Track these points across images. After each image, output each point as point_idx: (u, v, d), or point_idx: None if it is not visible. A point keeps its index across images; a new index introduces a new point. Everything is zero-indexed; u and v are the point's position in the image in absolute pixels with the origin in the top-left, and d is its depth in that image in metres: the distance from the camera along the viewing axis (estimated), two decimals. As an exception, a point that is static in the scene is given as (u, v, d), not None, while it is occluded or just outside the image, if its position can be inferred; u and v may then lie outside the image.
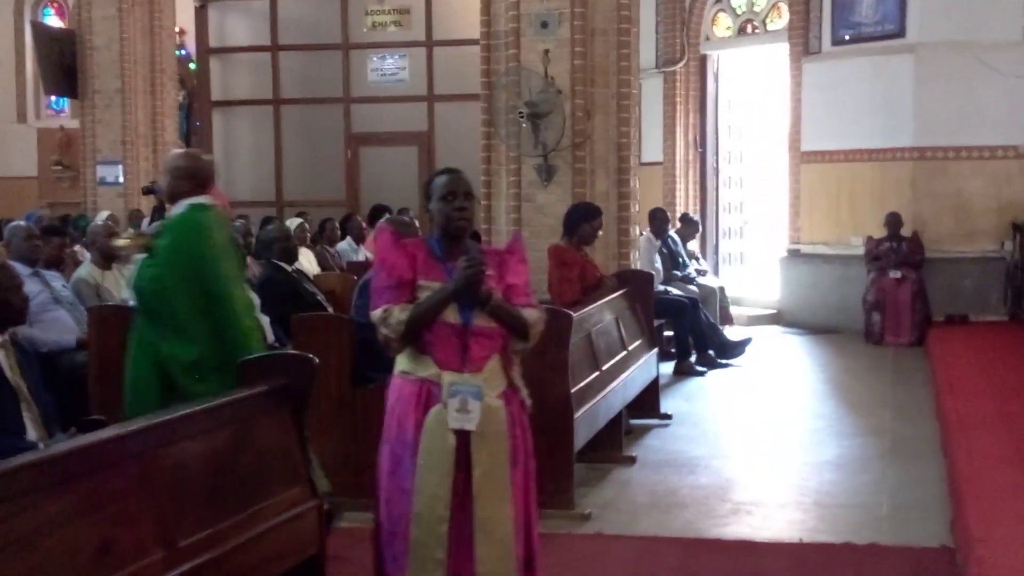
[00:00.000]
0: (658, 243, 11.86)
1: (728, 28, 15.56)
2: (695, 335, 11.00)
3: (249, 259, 8.70)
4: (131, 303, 6.96)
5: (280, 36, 17.81)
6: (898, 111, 12.90)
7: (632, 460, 7.53)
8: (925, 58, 12.75)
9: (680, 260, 12.26)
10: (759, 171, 16.38)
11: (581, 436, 6.48)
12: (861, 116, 13.18)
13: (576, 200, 9.22)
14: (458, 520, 4.01)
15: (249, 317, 5.41)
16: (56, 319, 7.38)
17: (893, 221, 12.53)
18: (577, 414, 6.36)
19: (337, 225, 12.84)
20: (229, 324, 5.10)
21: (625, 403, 7.71)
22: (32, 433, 4.65)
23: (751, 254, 16.27)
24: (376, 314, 4.06)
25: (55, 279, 7.76)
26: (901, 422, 8.65)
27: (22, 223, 8.37)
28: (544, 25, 9.55)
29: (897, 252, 12.47)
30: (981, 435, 7.29)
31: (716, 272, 14.86)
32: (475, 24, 10.59)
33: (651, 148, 15.44)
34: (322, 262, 11.15)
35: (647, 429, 8.47)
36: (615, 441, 7.55)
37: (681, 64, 15.54)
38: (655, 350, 8.69)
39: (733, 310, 13.31)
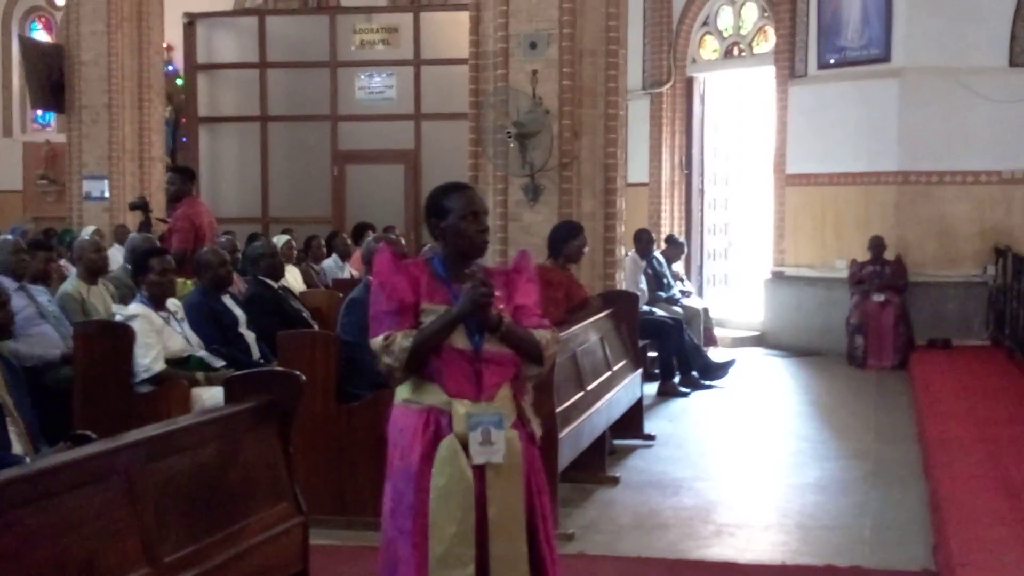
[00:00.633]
0: (643, 264, 11.90)
1: (715, 51, 15.65)
2: (679, 356, 11.03)
3: (235, 275, 8.71)
4: (117, 318, 7.00)
5: (268, 53, 17.80)
6: (883, 135, 12.98)
7: (616, 481, 7.53)
8: (910, 83, 12.84)
9: (665, 281, 12.29)
10: (744, 193, 16.45)
11: (565, 456, 6.49)
12: (846, 140, 13.25)
13: (563, 220, 9.24)
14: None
15: None
16: (41, 334, 7.36)
17: (877, 244, 12.59)
18: (561, 434, 6.36)
19: (323, 242, 12.85)
20: None
21: (609, 423, 7.72)
22: (17, 447, 4.65)
23: (735, 276, 16.32)
24: (377, 342, 3.82)
25: (41, 294, 7.75)
26: (883, 445, 8.68)
27: (9, 237, 8.37)
28: (532, 46, 9.59)
29: (881, 275, 12.53)
30: (963, 459, 7.33)
31: (700, 293, 14.89)
32: (463, 43, 10.63)
33: (637, 169, 15.48)
34: (308, 279, 11.15)
35: (631, 450, 8.48)
36: (599, 461, 7.55)
37: (668, 86, 15.61)
38: (639, 371, 8.70)
39: (717, 332, 13.35)
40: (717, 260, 16.12)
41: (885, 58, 12.99)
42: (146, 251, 7.52)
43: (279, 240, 10.96)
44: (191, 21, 17.77)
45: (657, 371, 11.00)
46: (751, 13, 15.19)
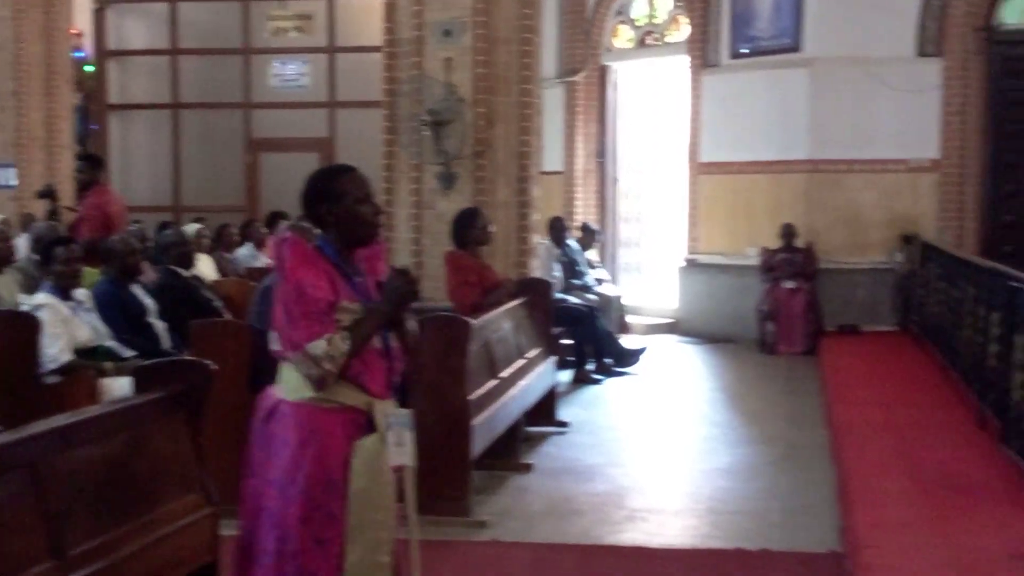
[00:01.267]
0: (557, 252, 11.94)
1: (629, 40, 15.70)
2: (593, 343, 11.09)
3: (145, 265, 8.61)
4: (23, 307, 6.89)
5: (180, 40, 17.61)
6: (793, 124, 13.13)
7: (529, 468, 7.56)
8: (820, 72, 13.00)
9: (579, 269, 12.35)
10: (658, 182, 16.55)
11: (478, 444, 6.50)
12: (757, 129, 13.39)
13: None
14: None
15: None
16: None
17: (787, 232, 12.75)
18: (475, 421, 6.38)
19: (235, 231, 12.72)
20: None
21: (523, 411, 7.74)
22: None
23: (649, 264, 16.42)
24: (319, 347, 3.57)
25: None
26: (793, 430, 8.80)
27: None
28: (447, 33, 9.58)
29: (791, 263, 12.69)
30: (870, 443, 7.46)
31: (615, 281, 14.95)
32: (378, 31, 10.58)
33: (552, 157, 15.50)
34: (220, 268, 11.04)
35: (544, 437, 8.51)
36: (512, 449, 7.58)
37: (582, 74, 15.64)
38: (553, 358, 8.74)
39: (631, 319, 13.45)
40: (631, 248, 16.19)
41: (796, 48, 13.14)
42: (52, 240, 7.42)
43: (191, 229, 10.84)
44: (101, 7, 17.53)
45: (571, 358, 11.05)
46: (665, 3, 15.25)
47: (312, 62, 17.28)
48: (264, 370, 6.29)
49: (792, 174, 13.21)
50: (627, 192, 16.09)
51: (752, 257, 13.23)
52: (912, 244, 12.28)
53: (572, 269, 12.18)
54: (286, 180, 16.77)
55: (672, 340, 13.63)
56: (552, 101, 15.25)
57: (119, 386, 6.24)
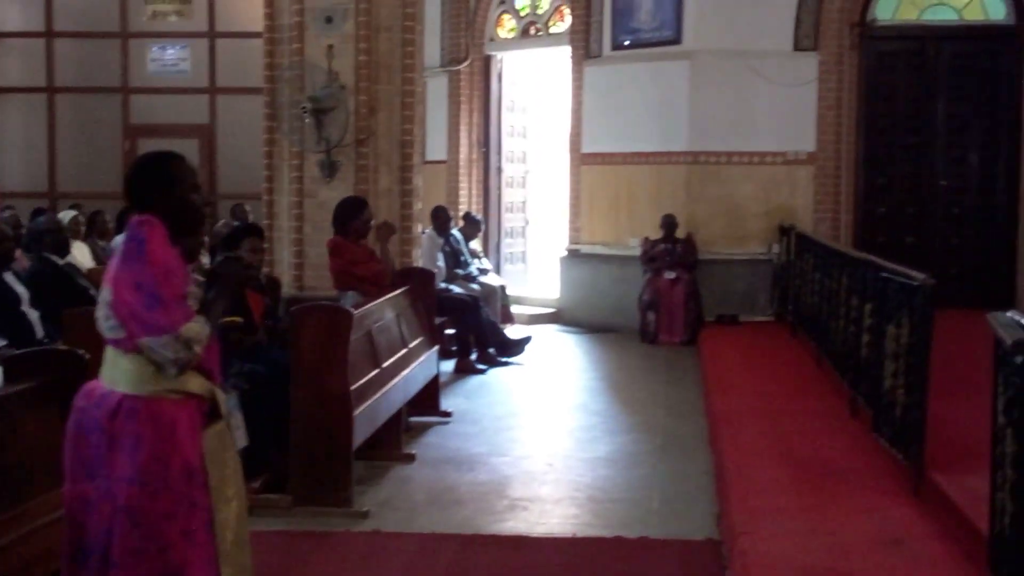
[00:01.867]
0: (440, 241, 11.92)
1: (512, 30, 15.73)
2: (476, 333, 11.10)
3: (18, 252, 8.40)
4: None
5: (55, 22, 17.19)
6: (674, 116, 13.27)
7: (411, 458, 7.54)
8: (700, 65, 13.15)
9: (462, 258, 12.35)
10: (541, 172, 16.62)
11: (360, 434, 6.46)
12: (639, 120, 13.50)
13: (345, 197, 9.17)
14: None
15: None
16: None
17: (668, 223, 12.87)
18: (356, 411, 6.34)
19: (109, 218, 12.46)
20: None
21: (405, 401, 7.71)
22: None
23: (533, 254, 16.49)
24: (192, 330, 3.58)
25: None
26: (672, 419, 8.90)
27: None
28: (328, 20, 9.49)
29: (672, 253, 12.81)
30: (747, 431, 7.56)
31: (498, 271, 14.99)
32: (258, 17, 10.45)
33: (435, 146, 15.51)
34: (96, 256, 10.82)
35: (427, 427, 8.49)
36: (394, 439, 7.55)
37: (466, 64, 15.63)
38: (436, 348, 8.71)
39: (514, 309, 13.48)
40: (515, 238, 16.24)
41: (676, 40, 13.26)
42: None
43: (65, 215, 10.62)
44: (-29, -13, 17.02)
45: (454, 348, 11.06)
46: (548, -7, 15.33)
47: (192, 47, 17.00)
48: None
49: (673, 165, 13.34)
50: (511, 182, 16.12)
51: (634, 247, 13.33)
52: (789, 236, 12.48)
53: (455, 259, 12.17)
54: (165, 167, 16.51)
55: (554, 330, 13.69)
56: (436, 90, 15.24)
57: (-11, 376, 6.07)
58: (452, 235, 12.33)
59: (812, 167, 13.25)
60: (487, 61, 15.81)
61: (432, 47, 14.53)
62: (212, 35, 16.92)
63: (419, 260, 10.31)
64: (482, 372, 10.84)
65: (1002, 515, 4.18)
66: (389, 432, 7.39)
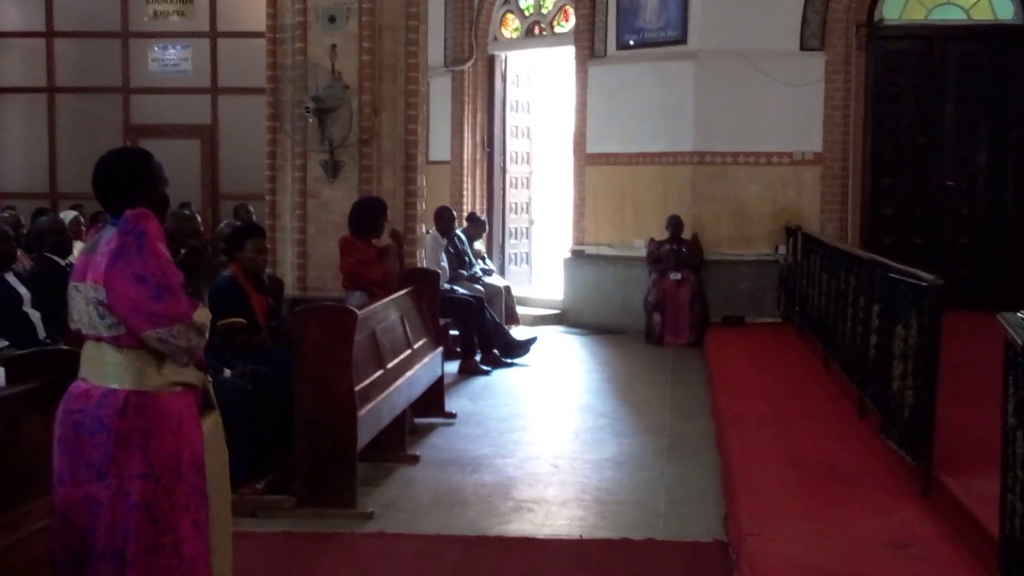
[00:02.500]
0: (444, 242, 11.87)
1: (516, 29, 15.70)
2: (481, 334, 11.06)
3: (20, 252, 8.37)
4: None
5: (55, 22, 17.16)
6: (680, 116, 13.22)
7: (416, 459, 7.50)
8: (705, 65, 13.11)
9: (467, 259, 12.31)
10: (546, 172, 16.57)
11: (364, 435, 6.43)
12: (644, 120, 13.46)
13: (364, 196, 9.13)
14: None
15: None
16: None
17: (674, 224, 12.83)
18: (360, 412, 6.31)
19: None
20: None
21: (409, 402, 7.67)
22: None
23: (537, 254, 16.45)
24: (203, 315, 3.66)
25: None
26: (679, 420, 8.85)
27: None
28: (332, 20, 9.44)
29: (678, 254, 12.76)
30: (754, 433, 7.53)
31: (502, 272, 14.96)
32: (261, 16, 10.41)
33: (439, 147, 15.47)
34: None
35: (431, 428, 8.46)
36: (399, 440, 7.52)
37: (469, 64, 15.59)
38: (440, 349, 8.68)
39: (519, 310, 13.43)
40: (519, 239, 16.20)
41: (682, 40, 13.22)
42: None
43: (67, 216, 10.59)
44: (-27, -13, 17.00)
45: (458, 349, 11.01)
46: (553, -7, 15.29)
47: (194, 47, 16.96)
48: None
49: (678, 166, 13.30)
50: (515, 182, 16.09)
51: (639, 248, 13.29)
52: (795, 236, 12.43)
53: (460, 259, 12.13)
54: (167, 167, 16.37)
55: (559, 331, 13.64)
56: (440, 90, 15.20)
57: (-10, 377, 6.02)
58: (456, 236, 12.29)
59: (819, 167, 13.20)
60: (491, 61, 15.77)
61: (436, 47, 14.49)
62: (214, 35, 16.89)
63: (423, 261, 10.27)
64: (487, 373, 10.80)
65: (1012, 517, 4.14)
66: (393, 433, 7.35)
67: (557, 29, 15.21)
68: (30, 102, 17.36)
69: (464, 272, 12.06)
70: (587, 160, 14.17)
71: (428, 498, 6.73)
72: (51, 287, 7.65)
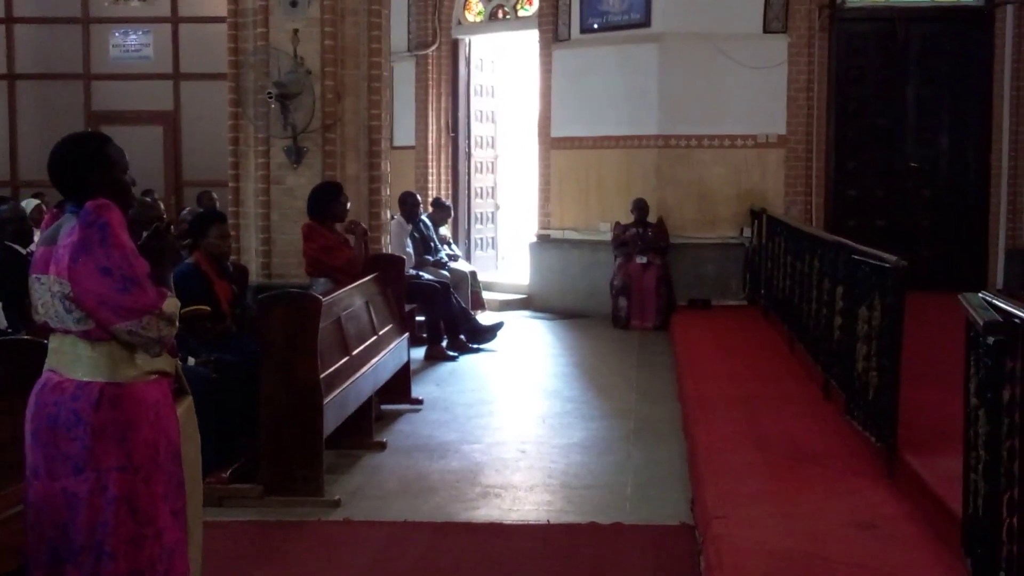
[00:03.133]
0: (409, 227, 11.83)
1: (480, 13, 15.65)
2: (447, 320, 11.04)
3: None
4: None
5: (15, 8, 16.97)
6: (644, 99, 13.22)
7: (383, 446, 7.49)
8: (669, 48, 13.11)
9: (432, 245, 12.27)
10: (511, 157, 16.55)
11: (330, 422, 6.41)
12: (609, 103, 13.45)
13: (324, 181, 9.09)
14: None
15: None
16: None
17: (639, 207, 12.84)
18: (326, 400, 6.29)
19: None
20: None
21: (376, 388, 7.66)
22: None
23: (503, 239, 16.43)
24: (173, 304, 3.59)
25: None
26: (645, 404, 8.87)
27: None
28: (293, 4, 9.38)
29: (643, 238, 12.77)
30: (720, 415, 7.55)
31: (468, 257, 14.94)
32: (222, 1, 10.32)
33: (404, 132, 15.42)
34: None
35: (398, 414, 8.44)
36: (365, 427, 7.50)
37: (433, 48, 15.54)
38: (406, 335, 8.66)
39: (485, 295, 13.42)
40: (485, 223, 16.18)
41: (645, 23, 13.22)
42: None
43: (28, 204, 10.49)
44: (-71, -28, 16.78)
45: (424, 335, 10.99)
46: (516, -24, 15.25)
47: (155, 32, 16.82)
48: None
49: (643, 149, 13.30)
50: (480, 167, 16.06)
51: (604, 232, 13.30)
52: (760, 219, 12.47)
53: (425, 245, 12.09)
54: (129, 154, 16.27)
55: (525, 316, 13.64)
56: (403, 75, 15.15)
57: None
58: (421, 221, 12.24)
59: (783, 150, 13.24)
60: (455, 45, 15.72)
61: (399, 31, 14.44)
62: (175, 20, 16.75)
63: (388, 247, 10.23)
64: (453, 359, 10.78)
65: (975, 496, 4.16)
66: (360, 420, 7.33)
67: (521, 13, 15.18)
68: (-10, 90, 17.19)
69: (430, 258, 12.03)
70: (552, 144, 14.16)
71: (395, 485, 6.71)
72: (11, 276, 7.59)
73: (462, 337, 11.15)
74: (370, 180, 9.81)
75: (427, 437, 7.83)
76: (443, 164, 15.77)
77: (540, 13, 14.36)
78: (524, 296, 14.30)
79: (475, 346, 11.21)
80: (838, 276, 7.37)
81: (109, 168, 3.69)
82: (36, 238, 9.10)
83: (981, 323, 3.95)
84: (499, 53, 16.09)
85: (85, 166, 3.68)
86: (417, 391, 8.98)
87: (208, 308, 6.95)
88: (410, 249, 11.52)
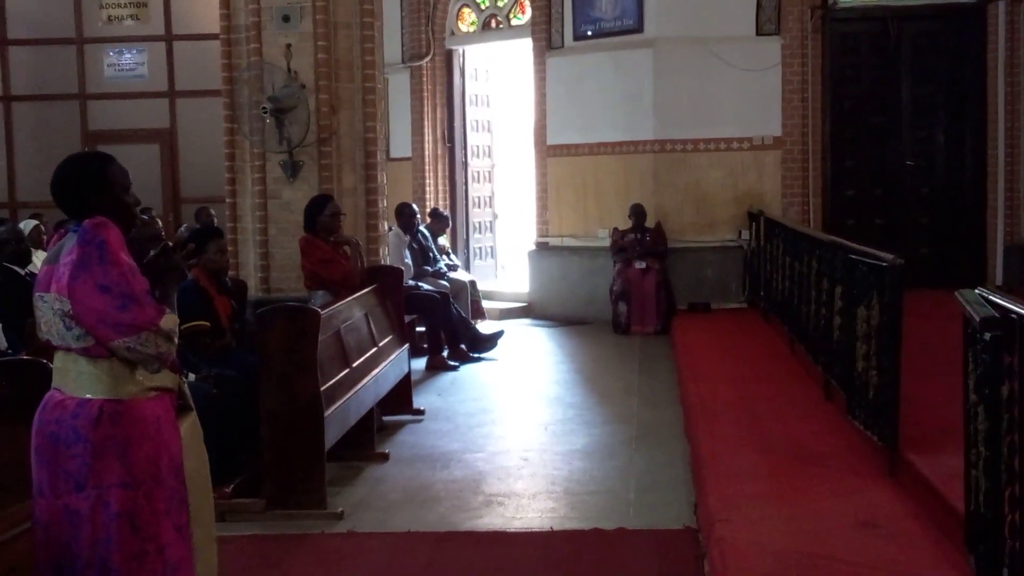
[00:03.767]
0: (407, 238, 11.83)
1: (473, 23, 15.66)
2: (447, 330, 11.04)
3: (-22, 263, 8.29)
4: None
5: (9, 30, 17.00)
6: (639, 105, 13.23)
7: (385, 457, 7.49)
8: (663, 53, 13.12)
9: (431, 255, 12.28)
10: (508, 165, 16.55)
11: (332, 434, 6.41)
12: (604, 110, 13.47)
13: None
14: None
15: None
16: None
17: (637, 212, 12.85)
18: (327, 412, 6.29)
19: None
20: None
21: (377, 400, 7.66)
22: None
23: (502, 248, 16.43)
24: (171, 321, 3.59)
25: None
26: (647, 409, 8.87)
27: None
28: (286, 19, 9.39)
29: (642, 243, 12.78)
30: (722, 419, 7.55)
31: (467, 266, 14.94)
32: (215, 18, 10.32)
33: (400, 143, 15.43)
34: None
35: (400, 425, 8.44)
36: (367, 438, 7.50)
37: (427, 59, 15.55)
38: (406, 346, 8.66)
39: (485, 304, 13.42)
40: (483, 232, 16.18)
41: (638, 29, 13.23)
42: None
43: (27, 225, 10.50)
44: (-76, -3, 16.81)
45: (425, 345, 11.00)
46: (508, -15, 15.27)
47: (149, 50, 16.83)
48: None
49: (639, 154, 13.31)
50: (477, 176, 16.06)
51: (603, 239, 13.30)
52: (758, 221, 12.46)
53: (423, 255, 12.10)
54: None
55: (526, 324, 13.64)
56: (398, 87, 15.17)
57: (-50, 390, 5.96)
58: (419, 232, 12.25)
59: (779, 152, 13.24)
60: (449, 55, 15.73)
61: (392, 43, 14.46)
62: (169, 38, 16.76)
63: (386, 258, 10.24)
64: (454, 368, 10.79)
65: (977, 493, 4.16)
66: (362, 432, 7.33)
67: (514, 22, 15.20)
68: (-14, 111, 17.21)
69: (429, 268, 12.03)
70: (548, 152, 14.17)
71: (398, 496, 6.71)
72: (10, 297, 7.59)
73: (463, 346, 11.15)
74: (367, 192, 9.81)
75: (429, 447, 7.83)
76: (440, 174, 15.77)
77: (533, 21, 14.38)
78: (524, 304, 14.30)
79: (476, 355, 11.21)
80: (836, 276, 7.37)
81: (110, 188, 3.70)
82: (35, 259, 9.13)
83: (978, 319, 3.95)
84: (493, 62, 16.10)
85: (86, 186, 3.70)
86: (418, 401, 8.99)
87: (208, 324, 6.97)
88: (408, 260, 11.52)
